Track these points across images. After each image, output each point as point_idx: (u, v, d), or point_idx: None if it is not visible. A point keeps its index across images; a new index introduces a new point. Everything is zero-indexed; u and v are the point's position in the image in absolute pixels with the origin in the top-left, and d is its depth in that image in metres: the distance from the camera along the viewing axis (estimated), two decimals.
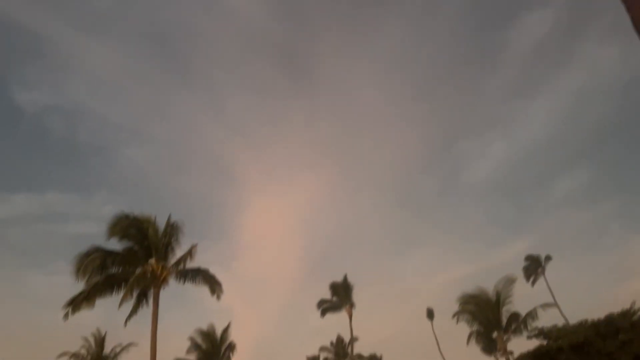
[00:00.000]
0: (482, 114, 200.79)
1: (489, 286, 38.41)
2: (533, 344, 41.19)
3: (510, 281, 38.08)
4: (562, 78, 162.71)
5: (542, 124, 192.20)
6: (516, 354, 42.67)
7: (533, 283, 65.48)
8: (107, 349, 46.48)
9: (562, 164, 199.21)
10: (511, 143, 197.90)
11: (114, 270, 27.91)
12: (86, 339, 46.49)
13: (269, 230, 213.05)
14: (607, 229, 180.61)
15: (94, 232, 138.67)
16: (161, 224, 29.03)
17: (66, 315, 25.96)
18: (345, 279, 46.93)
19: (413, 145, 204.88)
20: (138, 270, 27.86)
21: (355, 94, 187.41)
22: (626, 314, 38.22)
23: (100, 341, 46.55)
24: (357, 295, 48.69)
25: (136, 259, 28.28)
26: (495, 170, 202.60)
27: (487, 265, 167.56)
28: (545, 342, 40.23)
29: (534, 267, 65.73)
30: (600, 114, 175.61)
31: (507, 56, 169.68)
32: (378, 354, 78.09)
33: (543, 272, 65.06)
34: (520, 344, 63.55)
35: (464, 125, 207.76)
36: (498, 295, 37.58)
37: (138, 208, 29.05)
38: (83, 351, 45.91)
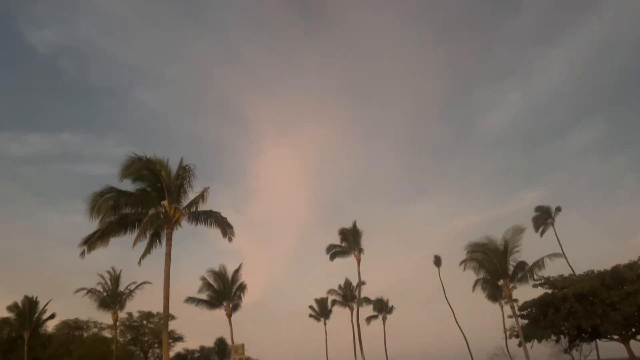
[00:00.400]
0: (500, 62, 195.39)
1: (498, 236, 38.62)
2: (538, 292, 42.06)
3: (519, 231, 38.18)
4: (585, 26, 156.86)
5: (561, 74, 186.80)
6: (521, 301, 43.66)
7: (542, 234, 65.84)
8: (122, 287, 48.15)
9: (579, 115, 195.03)
10: (528, 92, 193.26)
11: (127, 210, 28.38)
12: (102, 277, 48.07)
13: (280, 176, 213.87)
14: (620, 182, 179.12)
15: (107, 173, 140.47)
16: (173, 167, 29.25)
17: (82, 254, 26.69)
18: (354, 225, 47.48)
19: (428, 92, 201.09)
20: (151, 212, 28.31)
21: (371, 38, 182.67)
22: (633, 266, 38.58)
23: (116, 279, 48.14)
24: (366, 242, 49.39)
25: (149, 200, 28.67)
26: (510, 120, 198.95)
27: (497, 215, 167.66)
28: (550, 291, 40.98)
29: (543, 217, 65.86)
30: (622, 66, 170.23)
31: (528, 0, 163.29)
32: (384, 299, 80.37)
33: (552, 223, 65.24)
34: (526, 292, 64.75)
35: (480, 73, 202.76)
36: (506, 244, 37.81)
37: (150, 151, 28.95)
38: (99, 288, 47.55)
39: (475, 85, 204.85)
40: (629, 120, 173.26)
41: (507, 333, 50.44)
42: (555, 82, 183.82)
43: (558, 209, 65.14)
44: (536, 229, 65.76)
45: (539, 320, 40.46)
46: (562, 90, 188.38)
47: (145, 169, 27.86)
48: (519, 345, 39.06)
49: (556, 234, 64.59)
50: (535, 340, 40.60)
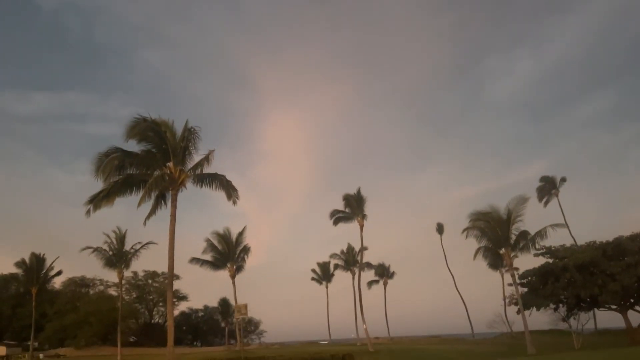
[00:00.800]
0: (511, 29, 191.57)
1: (502, 205, 38.65)
2: (539, 261, 42.36)
3: (522, 200, 38.20)
4: None
5: (574, 42, 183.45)
6: (521, 270, 44.05)
7: (546, 204, 65.93)
8: (128, 246, 48.71)
9: (589, 85, 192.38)
10: (539, 61, 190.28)
11: (132, 171, 28.49)
12: (107, 236, 48.58)
13: (285, 141, 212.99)
14: (627, 154, 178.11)
15: (113, 134, 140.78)
16: (179, 129, 29.18)
17: (88, 212, 26.93)
18: (358, 191, 47.60)
19: (437, 59, 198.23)
20: (156, 173, 28.41)
21: (379, 2, 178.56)
22: (635, 238, 38.68)
23: (121, 238, 48.63)
24: (369, 209, 49.59)
25: (154, 162, 28.74)
26: (520, 89, 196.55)
27: (502, 184, 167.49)
28: (551, 261, 41.26)
29: (548, 188, 65.79)
30: (635, 35, 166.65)
31: None
32: (386, 264, 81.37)
33: (557, 194, 65.20)
34: (527, 261, 65.23)
35: (491, 41, 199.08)
36: (509, 213, 37.88)
37: (156, 112, 28.82)
38: (105, 247, 48.13)
39: (485, 53, 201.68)
40: (638, 92, 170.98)
41: (507, 301, 51.21)
42: (567, 51, 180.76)
43: (563, 180, 65.02)
44: (540, 199, 65.83)
45: (539, 289, 40.89)
46: (573, 60, 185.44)
47: (150, 130, 27.80)
48: (518, 312, 39.63)
49: (560, 205, 64.74)
50: (534, 308, 41.12)
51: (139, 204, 26.39)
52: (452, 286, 72.72)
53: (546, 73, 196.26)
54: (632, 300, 39.30)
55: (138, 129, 27.09)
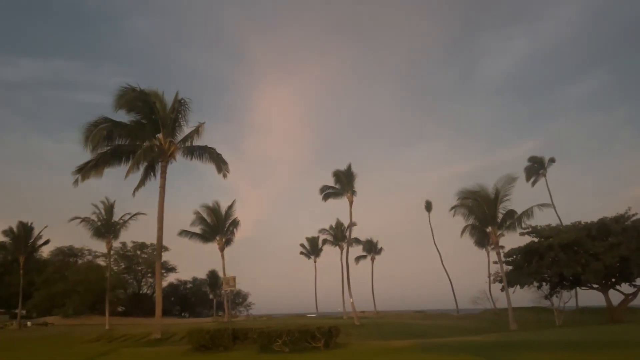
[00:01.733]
0: (507, 6, 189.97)
1: (490, 184, 38.95)
2: (525, 240, 42.93)
3: (510, 180, 38.48)
4: None
5: (569, 21, 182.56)
6: (507, 249, 44.66)
7: (533, 184, 66.40)
8: (117, 217, 48.49)
9: (582, 65, 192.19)
10: (533, 39, 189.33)
11: (121, 141, 28.33)
12: (96, 206, 48.30)
13: (277, 114, 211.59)
14: (618, 135, 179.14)
15: (102, 102, 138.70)
16: (169, 100, 28.91)
17: (76, 182, 26.79)
18: (349, 167, 47.52)
19: (432, 35, 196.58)
20: (146, 144, 28.26)
21: None
22: (619, 219, 39.25)
23: (109, 208, 48.37)
24: (359, 185, 49.77)
25: (144, 133, 28.55)
26: (513, 68, 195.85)
27: (491, 163, 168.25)
28: (536, 240, 41.84)
29: (536, 168, 66.21)
30: (631, 17, 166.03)
31: None
32: (374, 240, 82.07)
33: (544, 174, 65.72)
34: (513, 240, 66.09)
35: (486, 18, 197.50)
36: (497, 192, 38.19)
37: (146, 83, 28.47)
38: (93, 217, 47.90)
39: (480, 29, 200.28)
40: (633, 72, 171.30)
41: (491, 278, 51.92)
42: (562, 30, 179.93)
43: (552, 160, 65.45)
44: (527, 179, 66.28)
45: (523, 267, 41.54)
46: (568, 39, 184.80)
47: (139, 101, 27.52)
48: (502, 289, 40.27)
49: (547, 185, 65.31)
50: (518, 286, 41.80)
51: (127, 175, 26.34)
52: (438, 263, 73.65)
53: (540, 52, 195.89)
54: (613, 280, 40.08)
55: (127, 99, 26.84)
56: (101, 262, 72.80)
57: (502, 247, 43.67)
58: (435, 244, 75.49)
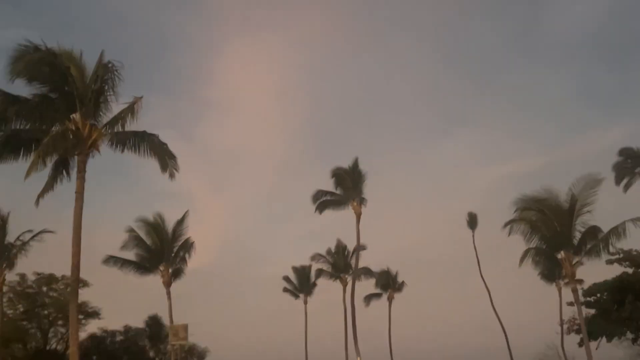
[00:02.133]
0: None
1: (563, 189, 38.88)
2: (614, 271, 42.98)
3: (593, 182, 38.38)
4: None
5: None
6: (588, 283, 44.70)
7: (626, 188, 66.46)
8: (12, 237, 48.08)
9: None
10: None
11: (20, 125, 28.09)
12: None
13: (248, 86, 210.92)
14: None
15: None
16: (90, 65, 28.66)
17: None
18: (355, 164, 47.54)
19: None
20: (56, 128, 28.04)
21: None
22: None
23: (2, 224, 47.96)
24: (369, 189, 49.46)
25: (53, 112, 28.31)
26: (593, 19, 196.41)
27: (563, 158, 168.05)
28: (630, 270, 41.92)
29: (631, 165, 66.31)
30: None
31: None
32: (392, 271, 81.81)
33: None
34: (596, 270, 66.06)
35: None
36: (573, 200, 38.09)
37: (56, 38, 28.38)
38: None
39: None
40: None
41: (565, 327, 52.04)
42: None
43: None
44: (618, 182, 66.38)
45: (612, 311, 41.61)
46: None
47: (46, 65, 27.29)
48: (580, 343, 40.36)
49: None
50: (604, 338, 41.90)
51: (28, 174, 26.07)
52: (487, 303, 73.49)
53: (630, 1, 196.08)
54: None
55: (27, 62, 26.58)
56: None
57: (581, 281, 43.73)
58: (481, 275, 75.46)
